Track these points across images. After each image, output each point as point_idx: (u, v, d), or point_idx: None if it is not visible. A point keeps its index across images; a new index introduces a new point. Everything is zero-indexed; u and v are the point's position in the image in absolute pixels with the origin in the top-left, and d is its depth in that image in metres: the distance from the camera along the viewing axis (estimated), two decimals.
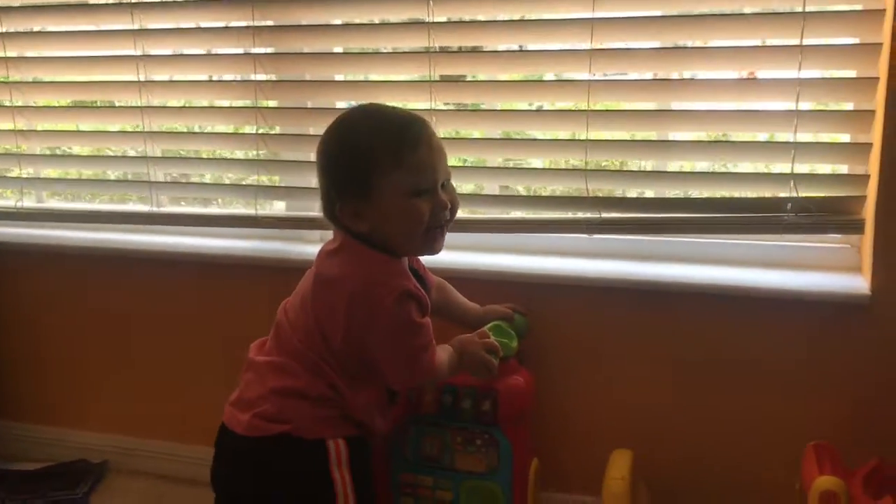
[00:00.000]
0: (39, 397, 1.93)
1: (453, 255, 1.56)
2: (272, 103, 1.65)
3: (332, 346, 1.15)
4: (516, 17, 1.50)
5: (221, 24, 1.65)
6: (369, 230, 1.15)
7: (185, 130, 1.81)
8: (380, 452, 1.35)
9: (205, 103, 1.73)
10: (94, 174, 1.91)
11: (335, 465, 1.15)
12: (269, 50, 1.62)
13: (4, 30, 1.77)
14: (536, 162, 1.69)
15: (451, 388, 1.33)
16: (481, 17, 1.51)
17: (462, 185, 1.62)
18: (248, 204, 1.74)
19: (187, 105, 1.73)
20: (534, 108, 1.62)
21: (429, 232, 1.16)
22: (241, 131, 1.73)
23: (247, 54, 1.63)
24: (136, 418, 1.87)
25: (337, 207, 1.15)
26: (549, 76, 1.55)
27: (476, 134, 1.65)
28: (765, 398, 1.45)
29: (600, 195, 1.51)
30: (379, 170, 1.12)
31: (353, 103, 1.45)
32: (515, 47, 1.53)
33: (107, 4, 1.71)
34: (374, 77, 1.61)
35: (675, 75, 1.49)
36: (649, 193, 1.55)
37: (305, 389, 1.15)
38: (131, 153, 1.83)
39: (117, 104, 1.81)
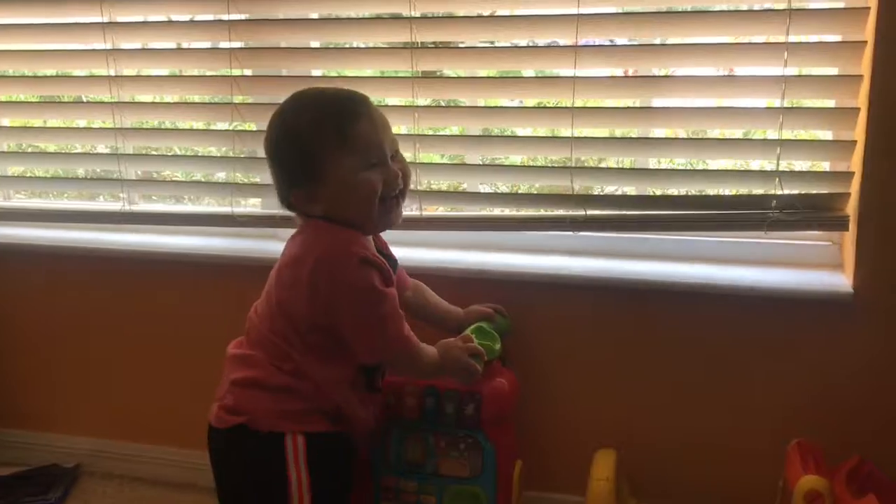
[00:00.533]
0: (8, 400, 1.87)
1: (433, 252, 1.55)
2: (248, 99, 1.61)
3: (297, 323, 1.14)
4: (497, 11, 1.48)
5: (195, 17, 1.61)
6: (325, 211, 1.15)
7: (157, 126, 1.76)
8: (363, 453, 1.32)
9: (177, 98, 1.68)
10: (62, 171, 1.85)
11: (291, 461, 1.13)
12: (245, 44, 1.58)
13: None
14: (517, 159, 1.67)
15: (434, 391, 1.30)
16: (462, 13, 1.48)
17: (442, 182, 1.59)
18: (222, 202, 1.70)
19: (159, 101, 1.68)
20: (515, 104, 1.59)
21: (384, 203, 1.16)
22: (213, 127, 1.68)
23: (222, 49, 1.58)
24: (109, 420, 1.82)
25: (291, 195, 1.16)
26: (530, 73, 1.53)
27: (456, 130, 1.63)
28: (748, 396, 1.45)
29: (584, 192, 1.49)
30: (324, 151, 1.12)
31: None
32: (501, 43, 1.50)
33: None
34: (352, 73, 1.58)
35: (656, 71, 1.48)
36: (631, 191, 1.54)
37: (265, 379, 1.15)
38: (101, 149, 1.78)
39: (85, 99, 1.75)
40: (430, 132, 1.59)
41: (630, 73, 1.48)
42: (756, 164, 1.49)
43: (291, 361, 1.15)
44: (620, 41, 1.46)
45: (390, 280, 1.17)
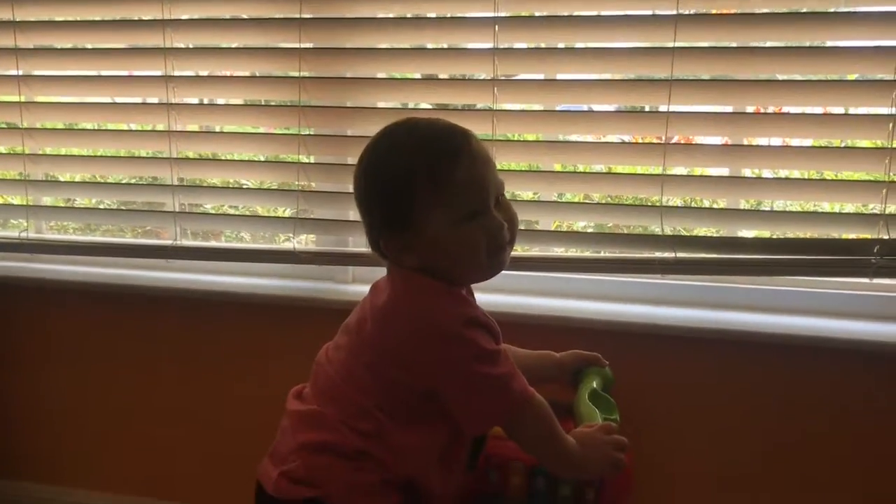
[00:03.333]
0: (40, 453, 1.74)
1: (503, 297, 1.45)
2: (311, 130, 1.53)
3: (388, 384, 1.00)
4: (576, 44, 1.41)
5: (265, 43, 1.54)
6: (420, 262, 1.01)
7: (209, 157, 1.67)
8: None
9: (237, 129, 1.60)
10: (89, 203, 1.77)
11: None
12: (313, 73, 1.51)
13: (20, 45, 1.63)
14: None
15: (544, 471, 1.13)
16: (544, 13, 1.40)
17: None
18: (269, 238, 1.58)
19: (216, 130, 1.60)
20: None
21: (491, 258, 1.01)
22: (277, 159, 1.60)
23: (288, 78, 1.51)
24: (147, 476, 1.69)
25: (381, 243, 1.03)
26: (615, 107, 1.46)
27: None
28: (848, 457, 1.35)
29: (674, 234, 1.40)
30: (420, 197, 0.98)
31: None
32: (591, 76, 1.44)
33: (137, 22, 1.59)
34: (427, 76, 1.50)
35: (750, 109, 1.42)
36: (721, 233, 1.46)
37: (339, 444, 0.99)
38: (145, 180, 1.69)
39: (136, 127, 1.67)
40: (503, 166, 1.50)
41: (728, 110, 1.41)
42: (860, 207, 1.42)
43: (374, 422, 1.00)
44: (715, 76, 1.39)
45: (498, 337, 1.03)
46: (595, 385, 1.15)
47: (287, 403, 1.10)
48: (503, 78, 1.41)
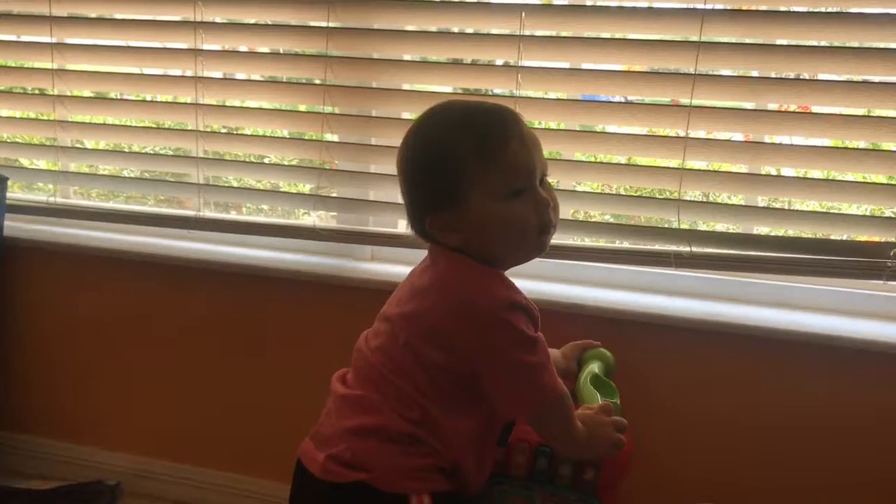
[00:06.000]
0: (53, 409, 1.79)
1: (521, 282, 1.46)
2: (336, 110, 1.55)
3: (429, 368, 1.00)
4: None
5: (293, 21, 1.55)
6: (463, 242, 1.02)
7: (232, 131, 1.70)
8: None
9: (262, 104, 1.62)
10: (114, 171, 1.79)
11: None
12: (340, 53, 1.53)
13: (54, 13, 1.66)
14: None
15: (547, 451, 1.16)
16: (571, 2, 1.42)
17: None
18: (288, 213, 1.60)
19: (243, 105, 1.62)
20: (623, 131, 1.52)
21: (538, 236, 1.03)
22: (299, 136, 1.62)
23: (315, 56, 1.53)
24: (157, 436, 1.73)
25: (427, 221, 1.03)
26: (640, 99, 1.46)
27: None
28: (859, 456, 1.35)
29: (690, 228, 1.41)
30: (468, 172, 0.99)
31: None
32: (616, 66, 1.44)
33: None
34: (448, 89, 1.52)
35: (772, 106, 1.42)
36: (737, 229, 1.46)
37: (387, 427, 1.00)
38: (169, 152, 1.72)
39: (164, 99, 1.70)
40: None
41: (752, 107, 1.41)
42: (877, 210, 1.42)
43: (419, 409, 1.00)
44: (740, 72, 1.39)
45: (538, 323, 1.03)
46: (596, 370, 1.19)
47: (332, 387, 1.10)
48: (527, 65, 1.42)
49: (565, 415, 1.03)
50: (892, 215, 1.33)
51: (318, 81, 1.53)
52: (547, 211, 1.02)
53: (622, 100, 1.49)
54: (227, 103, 1.63)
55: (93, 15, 1.69)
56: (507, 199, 1.00)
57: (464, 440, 1.03)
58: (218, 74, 1.66)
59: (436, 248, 1.06)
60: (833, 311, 1.42)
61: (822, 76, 1.38)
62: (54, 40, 1.67)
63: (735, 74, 1.39)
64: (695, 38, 1.33)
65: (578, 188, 1.59)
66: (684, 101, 1.36)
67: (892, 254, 1.32)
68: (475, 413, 1.04)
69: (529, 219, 1.01)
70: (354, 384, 1.07)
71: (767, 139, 1.43)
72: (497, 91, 1.47)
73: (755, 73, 1.37)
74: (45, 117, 1.70)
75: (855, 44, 1.33)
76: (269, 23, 1.56)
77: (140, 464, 1.74)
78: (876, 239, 1.35)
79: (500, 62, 1.45)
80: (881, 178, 1.48)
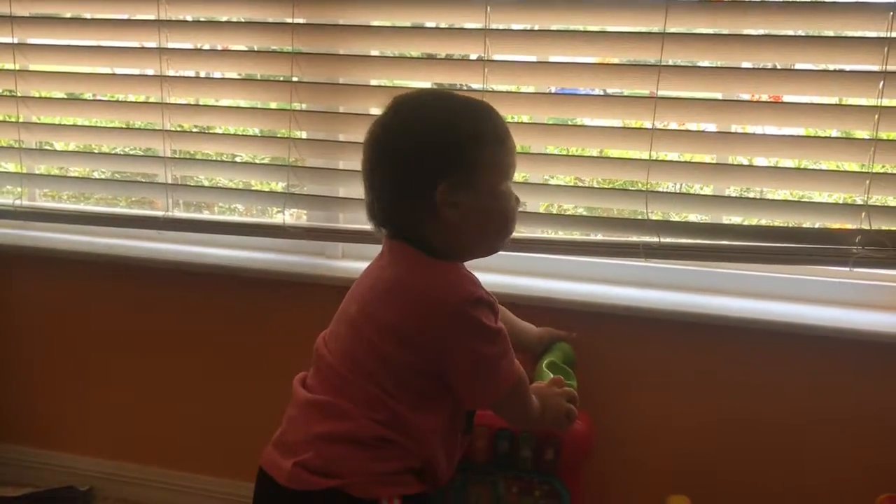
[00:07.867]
0: (24, 415, 1.77)
1: (492, 276, 1.46)
2: (303, 106, 1.54)
3: (393, 366, 0.99)
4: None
5: (257, 18, 1.54)
6: (460, 219, 0.98)
7: (202, 130, 1.68)
8: None
9: (230, 102, 1.61)
10: (83, 172, 1.77)
11: None
12: (306, 49, 1.51)
13: (15, 13, 1.63)
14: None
15: (508, 434, 1.19)
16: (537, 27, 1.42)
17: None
18: (262, 212, 1.59)
19: (211, 104, 1.60)
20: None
21: (510, 233, 1.05)
22: (270, 134, 1.61)
23: (280, 53, 1.52)
24: (128, 440, 1.72)
25: (440, 186, 0.97)
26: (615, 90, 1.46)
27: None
28: (827, 445, 1.37)
29: (660, 218, 1.42)
30: (482, 147, 0.99)
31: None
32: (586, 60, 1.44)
33: None
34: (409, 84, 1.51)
35: (745, 96, 1.42)
36: (707, 219, 1.47)
37: (357, 432, 0.98)
38: (137, 152, 1.70)
39: (133, 99, 1.68)
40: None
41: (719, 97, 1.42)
42: (843, 197, 1.43)
43: (386, 410, 0.99)
44: (705, 63, 1.40)
45: (498, 314, 1.03)
46: (554, 358, 1.22)
47: (294, 392, 1.08)
48: (494, 59, 1.42)
49: (523, 394, 1.05)
50: (859, 203, 1.33)
51: (282, 78, 1.52)
52: (517, 205, 1.05)
53: (591, 92, 1.49)
54: (197, 101, 1.61)
55: (55, 14, 1.66)
56: (503, 187, 1.02)
57: (434, 435, 1.03)
58: (186, 73, 1.64)
59: (394, 244, 1.04)
60: (801, 299, 1.42)
61: (796, 66, 1.38)
62: (16, 40, 1.65)
63: (704, 65, 1.39)
64: (658, 29, 1.33)
65: (551, 181, 1.59)
66: (651, 92, 1.36)
67: (857, 240, 1.33)
68: (442, 408, 1.04)
69: (513, 208, 1.03)
70: (318, 388, 1.05)
71: (739, 129, 1.44)
72: (466, 85, 1.46)
73: (719, 63, 1.38)
74: (10, 119, 1.68)
75: (830, 32, 1.33)
76: (234, 20, 1.55)
77: (111, 468, 1.73)
78: (848, 226, 1.36)
79: (473, 56, 1.44)
80: (853, 167, 1.49)
